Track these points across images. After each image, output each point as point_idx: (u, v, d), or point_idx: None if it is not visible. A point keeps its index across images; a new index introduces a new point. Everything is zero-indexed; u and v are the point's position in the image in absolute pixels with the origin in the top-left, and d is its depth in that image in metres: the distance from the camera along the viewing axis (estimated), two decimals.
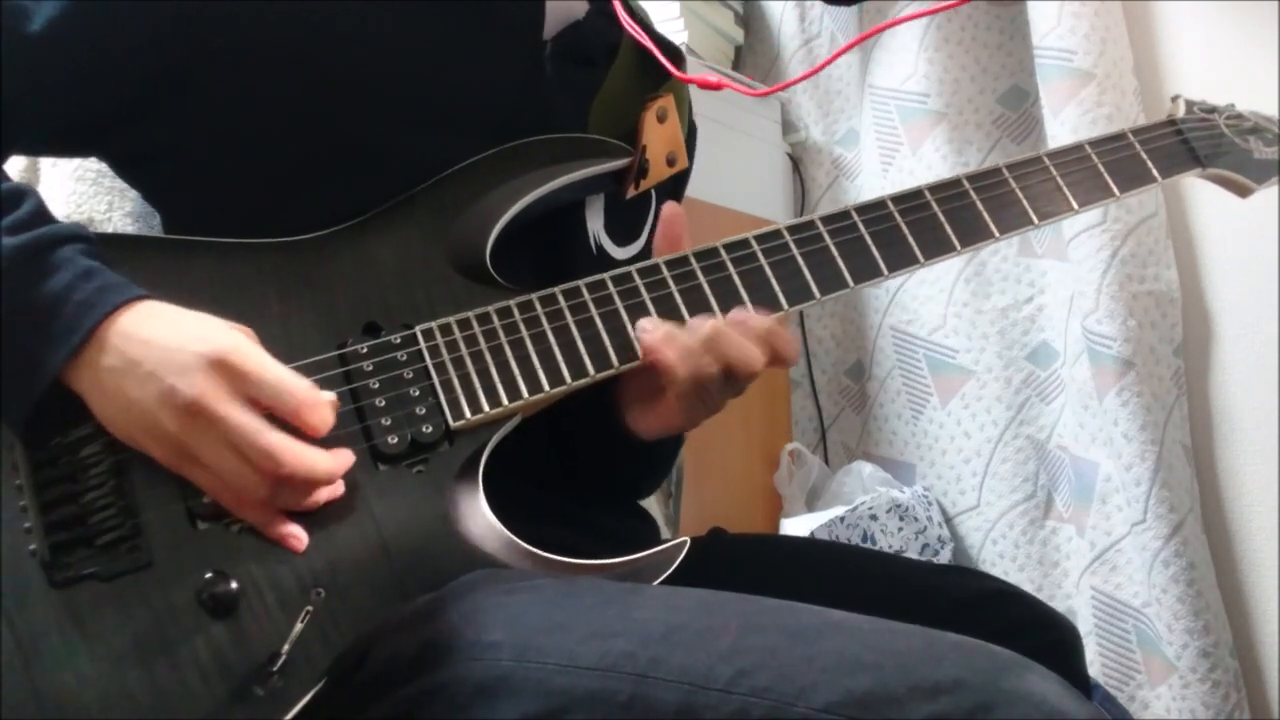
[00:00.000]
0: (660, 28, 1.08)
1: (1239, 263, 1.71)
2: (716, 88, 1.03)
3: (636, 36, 1.00)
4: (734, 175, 1.91)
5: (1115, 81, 1.70)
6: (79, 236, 0.78)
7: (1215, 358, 1.73)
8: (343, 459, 0.78)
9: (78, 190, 1.34)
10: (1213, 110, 1.13)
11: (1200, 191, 1.75)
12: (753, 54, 2.22)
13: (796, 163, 2.18)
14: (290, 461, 0.73)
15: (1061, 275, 1.85)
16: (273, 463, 0.73)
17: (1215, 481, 1.72)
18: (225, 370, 0.73)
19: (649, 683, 0.63)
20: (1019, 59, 1.92)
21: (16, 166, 1.34)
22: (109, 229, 1.31)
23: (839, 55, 1.14)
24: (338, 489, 0.78)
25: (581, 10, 1.01)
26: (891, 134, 2.01)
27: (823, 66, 1.12)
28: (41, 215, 0.78)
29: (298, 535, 0.76)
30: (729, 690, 0.61)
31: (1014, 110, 1.94)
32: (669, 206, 0.95)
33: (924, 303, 1.99)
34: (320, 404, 0.76)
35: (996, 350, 1.92)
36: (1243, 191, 1.13)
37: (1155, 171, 1.04)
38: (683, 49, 1.12)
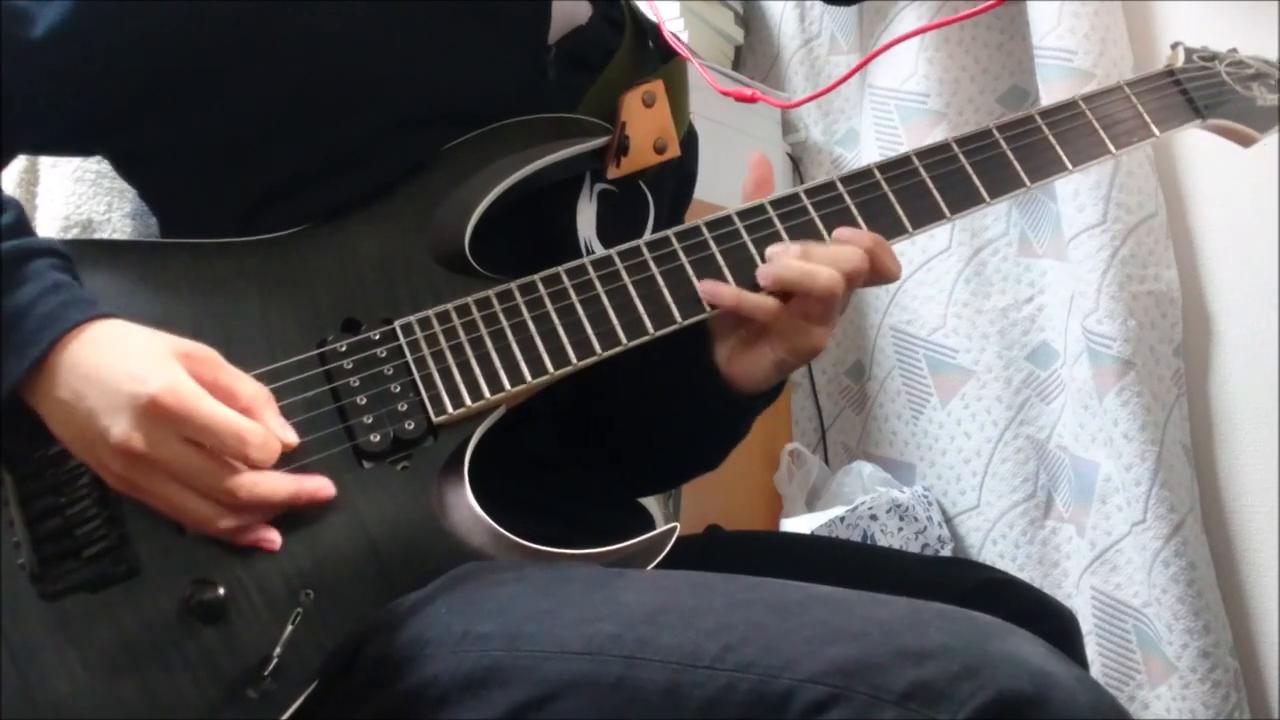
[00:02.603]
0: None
1: (1239, 263, 1.71)
2: (751, 100, 1.02)
3: (680, 50, 0.99)
4: (734, 175, 1.90)
5: (1114, 81, 1.70)
6: (54, 251, 0.78)
7: (1215, 358, 1.73)
8: (307, 484, 0.77)
9: (77, 191, 1.34)
10: (1213, 57, 1.09)
11: (1200, 191, 1.75)
12: (753, 54, 2.22)
13: (796, 163, 2.17)
14: (245, 495, 0.74)
15: (1061, 275, 1.84)
16: (228, 498, 0.74)
17: (1215, 481, 1.72)
18: (160, 414, 0.72)
19: (636, 664, 0.64)
20: (1019, 59, 1.91)
21: (17, 166, 1.35)
22: (108, 229, 1.31)
23: (858, 69, 1.13)
24: (324, 491, 0.78)
25: (584, 15, 1.01)
26: (891, 134, 2.00)
27: (844, 79, 1.10)
28: (20, 227, 0.78)
29: (271, 539, 0.76)
30: (715, 666, 0.62)
31: (1014, 110, 1.93)
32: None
33: (924, 303, 1.98)
34: (266, 442, 0.74)
35: (996, 350, 1.92)
36: (1245, 141, 1.08)
37: (1153, 126, 1.01)
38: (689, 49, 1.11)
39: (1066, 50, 1.72)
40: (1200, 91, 1.05)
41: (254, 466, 0.75)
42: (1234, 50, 1.12)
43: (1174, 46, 1.10)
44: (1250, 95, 1.08)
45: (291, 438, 0.77)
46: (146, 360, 0.74)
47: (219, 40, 0.86)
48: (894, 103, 2.00)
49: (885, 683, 0.58)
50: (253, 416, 0.75)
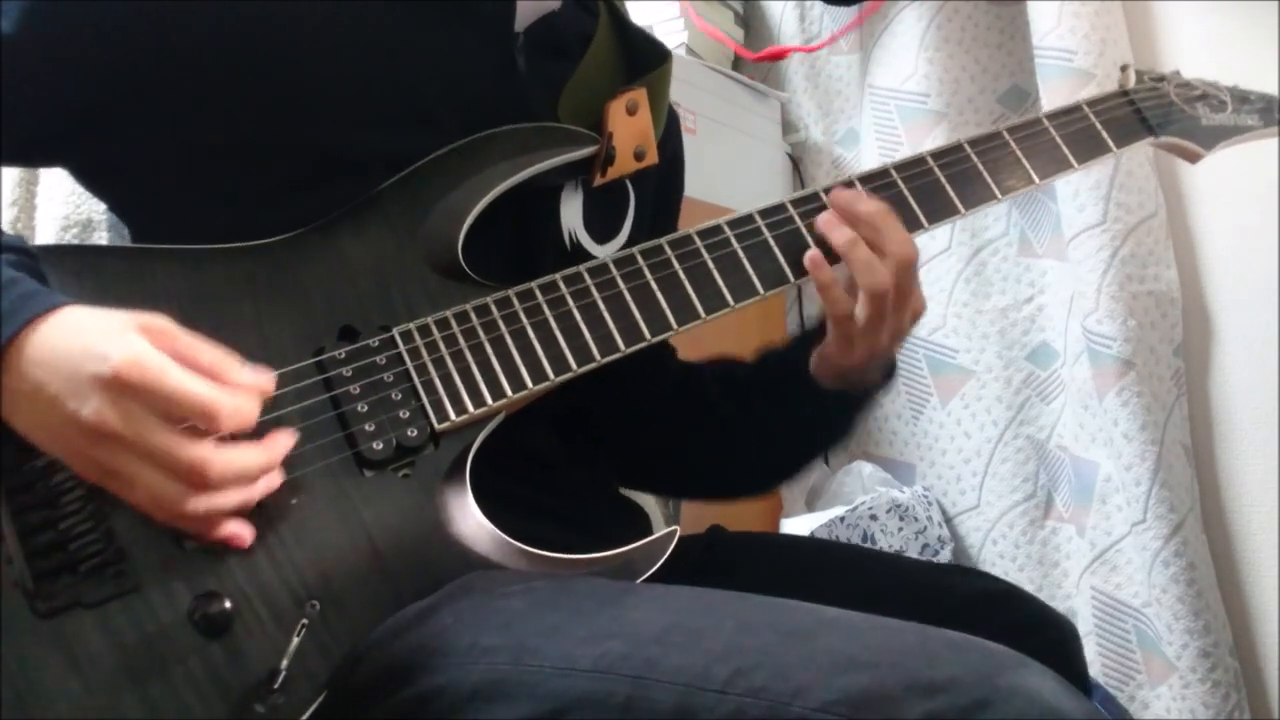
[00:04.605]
0: (660, 28, 1.09)
1: (1239, 263, 1.71)
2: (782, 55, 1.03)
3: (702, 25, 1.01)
4: (734, 175, 1.91)
5: (1115, 82, 1.70)
6: (11, 248, 0.76)
7: (1215, 358, 1.72)
8: (278, 445, 0.75)
9: (76, 191, 1.34)
10: (1161, 79, 1.16)
11: (1200, 191, 1.75)
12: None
13: (796, 163, 2.17)
14: (218, 470, 0.71)
15: (1061, 275, 1.84)
16: (199, 475, 0.70)
17: (1215, 481, 1.72)
18: (125, 389, 0.69)
19: (645, 684, 0.63)
20: (1019, 59, 1.91)
21: (14, 169, 1.34)
22: (106, 229, 1.31)
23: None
24: (274, 480, 0.75)
25: (555, 2, 1.01)
26: (891, 134, 2.00)
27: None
28: None
29: (239, 534, 0.74)
30: (725, 691, 0.61)
31: (1014, 110, 1.94)
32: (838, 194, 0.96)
33: None
34: (236, 404, 0.72)
35: (996, 350, 1.92)
36: (1192, 157, 1.15)
37: (1110, 142, 1.07)
38: (678, 50, 1.11)
39: (1066, 50, 1.72)
40: (1151, 110, 1.12)
41: (229, 434, 0.72)
42: (1177, 72, 1.19)
43: (1124, 69, 1.17)
44: (1195, 114, 1.15)
45: (267, 384, 0.75)
46: (105, 337, 0.71)
47: (180, 47, 0.84)
48: (894, 103, 2.00)
49: (897, 714, 0.58)
50: (219, 379, 0.73)
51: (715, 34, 2.00)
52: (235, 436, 0.73)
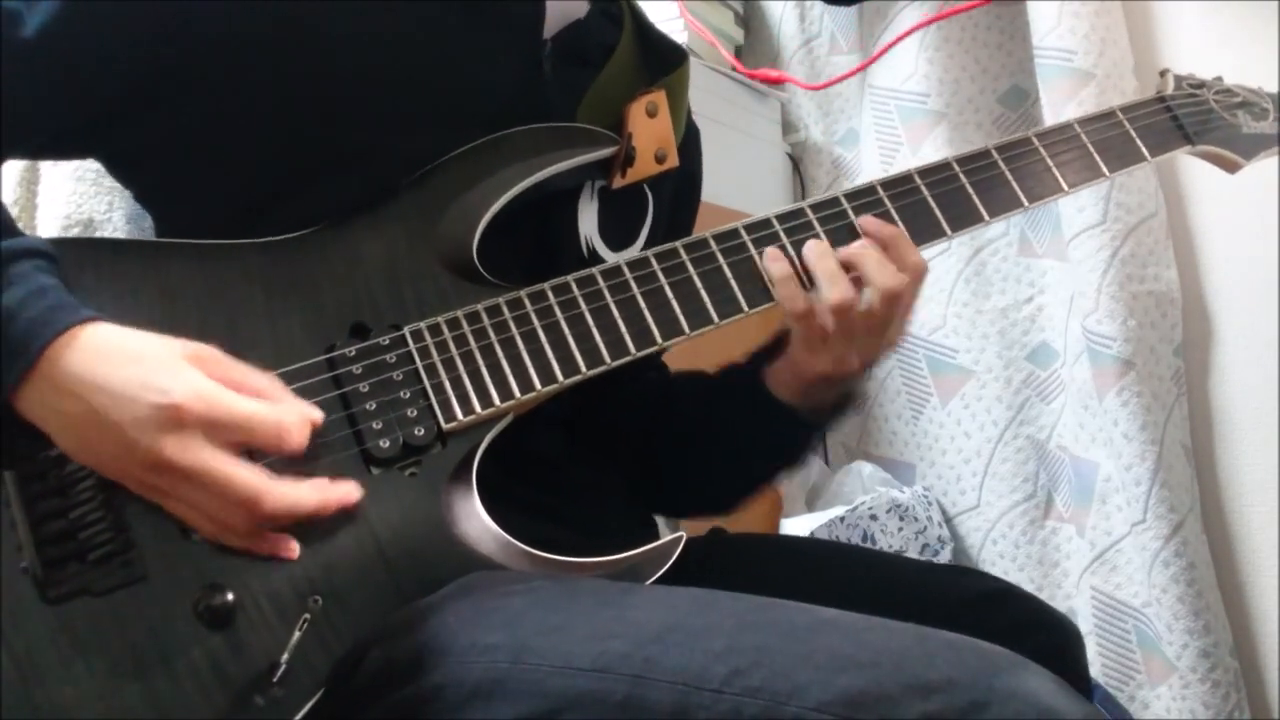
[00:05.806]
0: (660, 28, 1.09)
1: (1239, 263, 1.71)
2: (778, 81, 1.02)
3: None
4: (734, 175, 1.91)
5: (1115, 82, 1.70)
6: (38, 252, 0.77)
7: (1215, 358, 1.73)
8: (336, 490, 0.77)
9: (78, 190, 1.34)
10: (1201, 85, 1.12)
11: (1200, 191, 1.75)
12: (752, 54, 2.21)
13: (796, 163, 2.17)
14: (271, 504, 0.73)
15: (1061, 275, 1.84)
16: (254, 506, 0.73)
17: (1215, 481, 1.72)
18: (188, 421, 0.71)
19: (644, 683, 0.63)
20: (1019, 59, 1.91)
21: (17, 165, 1.34)
22: (108, 229, 1.31)
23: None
24: (351, 497, 0.78)
25: (582, 10, 1.01)
26: (891, 134, 2.00)
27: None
28: (3, 228, 0.77)
29: (289, 546, 0.76)
30: (722, 690, 0.62)
31: (1014, 110, 1.94)
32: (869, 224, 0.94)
33: (924, 303, 1.98)
34: (300, 411, 0.75)
35: (996, 350, 1.92)
36: (1231, 167, 1.12)
37: (1145, 150, 1.03)
38: (686, 49, 1.11)
39: (1066, 50, 1.72)
40: (1190, 118, 1.08)
41: (291, 453, 0.75)
42: (1219, 79, 1.15)
43: (1163, 73, 1.13)
44: (1236, 123, 1.11)
45: (318, 414, 0.77)
46: (160, 368, 0.73)
47: (209, 41, 0.85)
48: (894, 103, 2.00)
49: (894, 715, 0.58)
50: (272, 400, 0.76)
51: (710, 38, 2.00)
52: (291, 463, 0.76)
